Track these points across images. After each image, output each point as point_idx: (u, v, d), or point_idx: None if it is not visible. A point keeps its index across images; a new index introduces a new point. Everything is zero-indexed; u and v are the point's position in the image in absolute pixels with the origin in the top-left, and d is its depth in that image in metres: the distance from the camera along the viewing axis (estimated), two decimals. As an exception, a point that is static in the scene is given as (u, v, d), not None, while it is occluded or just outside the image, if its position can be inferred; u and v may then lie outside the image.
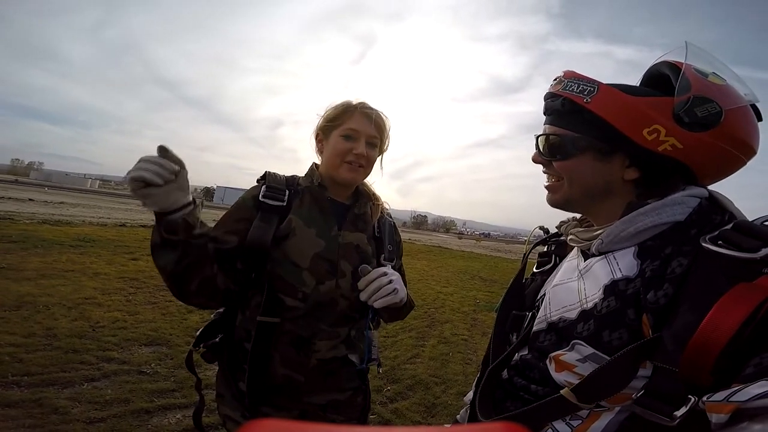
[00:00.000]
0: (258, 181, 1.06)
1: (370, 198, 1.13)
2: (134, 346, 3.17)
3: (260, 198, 0.98)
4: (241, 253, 0.96)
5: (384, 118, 1.06)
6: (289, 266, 0.96)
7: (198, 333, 1.05)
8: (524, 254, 0.87)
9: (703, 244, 0.48)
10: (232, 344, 1.02)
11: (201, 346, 1.05)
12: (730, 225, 0.49)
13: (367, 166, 1.04)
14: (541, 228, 0.90)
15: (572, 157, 0.63)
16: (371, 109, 1.04)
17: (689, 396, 0.44)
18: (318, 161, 1.11)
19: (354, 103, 1.04)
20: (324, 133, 1.05)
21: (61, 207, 14.42)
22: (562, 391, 0.54)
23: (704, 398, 0.42)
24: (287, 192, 1.02)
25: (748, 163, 0.60)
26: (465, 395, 0.85)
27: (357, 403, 1.11)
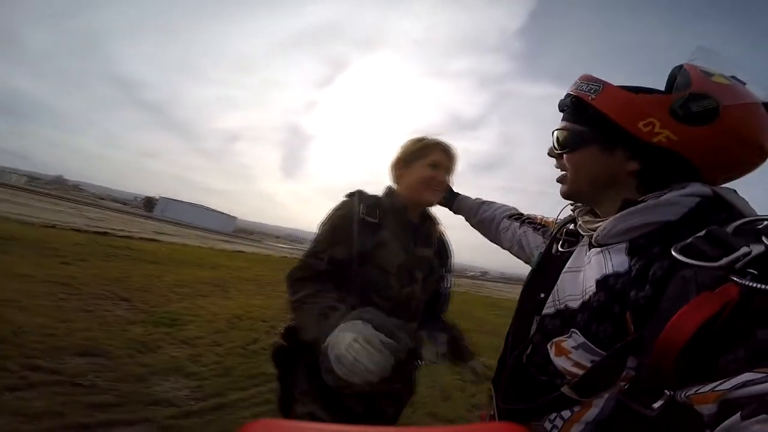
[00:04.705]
0: (348, 196, 1.21)
1: (433, 220, 1.33)
2: (66, 356, 2.80)
3: (361, 215, 1.15)
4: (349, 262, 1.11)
5: (454, 152, 1.27)
6: (380, 272, 1.13)
7: (285, 329, 1.18)
8: (552, 233, 0.87)
9: (673, 253, 0.50)
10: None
11: (284, 340, 1.17)
12: (703, 232, 0.50)
13: (443, 191, 1.28)
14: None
15: (579, 149, 0.67)
16: (447, 145, 1.25)
17: (665, 390, 0.47)
18: (393, 186, 1.29)
19: (433, 140, 1.25)
20: (406, 162, 1.24)
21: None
22: (562, 389, 0.58)
23: (686, 393, 0.45)
24: (378, 211, 1.18)
25: None
26: None
27: (405, 396, 1.26)
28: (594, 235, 0.64)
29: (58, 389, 2.30)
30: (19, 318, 3.27)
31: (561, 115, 0.74)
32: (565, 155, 0.70)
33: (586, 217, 0.72)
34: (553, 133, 0.73)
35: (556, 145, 0.72)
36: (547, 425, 0.60)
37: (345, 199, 1.22)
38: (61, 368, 2.58)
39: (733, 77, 0.60)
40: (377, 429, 0.50)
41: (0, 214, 9.90)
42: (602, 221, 0.64)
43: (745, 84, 0.60)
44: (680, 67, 0.62)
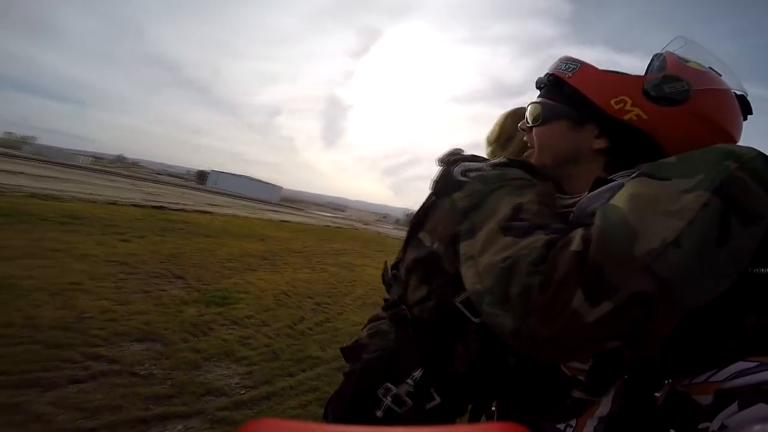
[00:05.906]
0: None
1: None
2: (125, 342, 2.89)
3: None
4: None
5: None
6: None
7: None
8: None
9: None
10: None
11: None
12: None
13: None
14: None
15: (548, 123, 0.68)
16: None
17: (664, 380, 0.47)
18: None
19: None
20: None
21: (51, 181, 13.88)
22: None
23: (682, 383, 0.46)
24: None
25: None
26: None
27: None
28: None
29: (117, 380, 2.36)
30: (82, 302, 3.43)
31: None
32: (534, 129, 0.71)
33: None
34: (527, 107, 0.73)
35: (528, 120, 0.72)
36: (561, 425, 0.60)
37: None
38: (121, 356, 2.65)
39: (710, 68, 0.61)
40: (377, 429, 0.49)
41: (71, 194, 10.72)
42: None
43: (720, 75, 0.61)
44: (657, 54, 0.63)
